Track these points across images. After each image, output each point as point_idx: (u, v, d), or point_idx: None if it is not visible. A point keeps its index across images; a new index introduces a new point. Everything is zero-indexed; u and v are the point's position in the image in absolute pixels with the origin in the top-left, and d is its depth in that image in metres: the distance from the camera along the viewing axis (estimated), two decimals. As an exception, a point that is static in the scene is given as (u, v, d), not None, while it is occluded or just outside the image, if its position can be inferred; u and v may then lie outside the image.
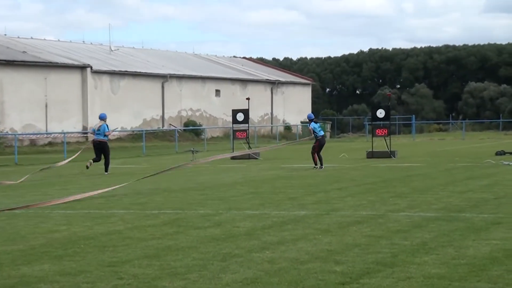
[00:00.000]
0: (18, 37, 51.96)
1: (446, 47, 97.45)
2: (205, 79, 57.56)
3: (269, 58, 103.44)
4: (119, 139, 47.06)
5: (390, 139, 28.66)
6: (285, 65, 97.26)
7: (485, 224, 10.31)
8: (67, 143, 35.12)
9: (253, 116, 55.33)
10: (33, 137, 42.71)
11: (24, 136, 41.26)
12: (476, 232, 9.67)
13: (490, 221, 10.59)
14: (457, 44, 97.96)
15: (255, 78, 63.83)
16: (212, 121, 57.45)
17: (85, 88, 46.84)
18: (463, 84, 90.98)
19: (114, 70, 49.56)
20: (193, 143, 44.70)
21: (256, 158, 29.31)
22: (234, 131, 31.27)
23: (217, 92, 58.62)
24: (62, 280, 7.26)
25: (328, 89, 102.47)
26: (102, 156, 22.73)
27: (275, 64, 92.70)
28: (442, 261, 7.81)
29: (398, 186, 16.24)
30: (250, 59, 79.65)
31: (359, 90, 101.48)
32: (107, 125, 22.68)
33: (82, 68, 47.00)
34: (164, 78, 53.23)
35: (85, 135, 45.47)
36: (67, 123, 45.03)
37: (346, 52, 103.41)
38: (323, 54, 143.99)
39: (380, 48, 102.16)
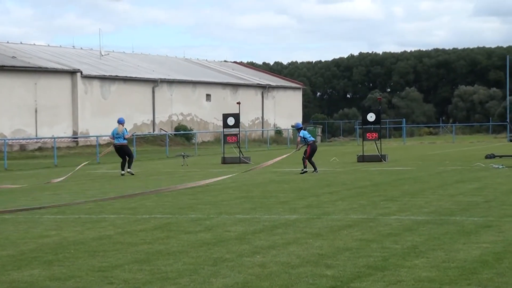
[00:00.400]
0: (8, 42, 51.81)
1: (436, 50, 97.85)
2: (195, 84, 57.55)
3: (260, 62, 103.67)
4: (109, 144, 46.94)
5: (380, 143, 28.72)
6: (276, 69, 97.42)
7: (475, 227, 10.33)
8: (57, 148, 35.00)
9: (244, 120, 55.35)
10: (23, 142, 42.57)
11: (13, 141, 41.12)
12: (466, 235, 9.69)
13: (480, 224, 10.62)
14: (447, 48, 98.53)
15: (246, 82, 63.87)
16: (203, 126, 57.43)
17: (75, 93, 46.73)
18: (453, 88, 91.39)
19: (105, 75, 49.48)
20: (184, 148, 44.67)
21: (247, 163, 29.31)
22: (225, 136, 31.27)
23: (208, 96, 58.61)
24: (52, 285, 7.23)
25: (318, 93, 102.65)
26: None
27: (266, 68, 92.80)
28: (432, 264, 7.83)
29: (389, 190, 16.27)
30: (241, 63, 79.71)
31: (349, 94, 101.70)
32: (125, 129, 24.32)
33: (72, 73, 46.90)
34: (154, 82, 53.18)
35: (75, 140, 45.38)
36: (57, 128, 44.90)
37: (337, 56, 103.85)
38: (313, 58, 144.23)
39: (370, 52, 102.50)
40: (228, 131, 31.60)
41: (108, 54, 57.63)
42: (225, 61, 77.13)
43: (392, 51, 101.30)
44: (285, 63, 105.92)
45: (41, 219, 12.35)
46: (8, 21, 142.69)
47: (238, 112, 31.42)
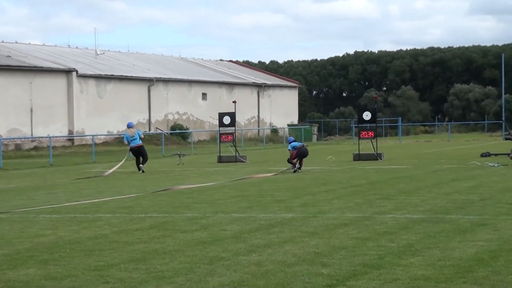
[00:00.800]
0: (3, 42, 51.68)
1: (432, 49, 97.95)
2: (191, 83, 57.50)
3: (255, 61, 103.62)
4: (105, 143, 46.92)
5: (376, 141, 28.74)
6: (272, 68, 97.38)
7: (471, 226, 10.35)
8: (52, 148, 34.95)
9: (240, 119, 55.32)
10: (18, 141, 42.48)
11: (9, 140, 41.03)
12: (461, 233, 9.71)
13: (475, 223, 10.64)
14: (442, 46, 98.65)
15: (242, 81, 63.85)
16: (199, 125, 57.39)
17: (71, 92, 46.65)
18: (448, 86, 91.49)
19: (100, 74, 49.40)
20: (180, 147, 44.64)
21: (244, 162, 29.32)
22: (221, 134, 31.25)
23: (204, 95, 58.57)
24: (47, 284, 7.22)
25: (314, 92, 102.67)
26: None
27: (262, 67, 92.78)
28: (428, 262, 7.84)
29: (385, 188, 16.29)
30: (237, 62, 79.66)
31: (345, 93, 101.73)
32: (138, 130, 25.74)
33: (68, 72, 46.82)
34: (150, 81, 53.12)
35: (71, 139, 45.30)
36: (53, 127, 44.81)
37: (332, 55, 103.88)
38: (309, 57, 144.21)
39: (366, 50, 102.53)
40: (224, 130, 31.58)
41: (104, 53, 57.53)
42: (221, 60, 77.09)
43: (387, 50, 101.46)
44: (280, 62, 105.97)
45: (36, 218, 12.33)
46: (3, 21, 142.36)
47: (234, 111, 31.41)
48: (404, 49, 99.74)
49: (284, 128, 58.32)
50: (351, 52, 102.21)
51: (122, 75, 51.26)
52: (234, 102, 32.53)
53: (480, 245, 8.77)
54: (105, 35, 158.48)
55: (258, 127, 62.53)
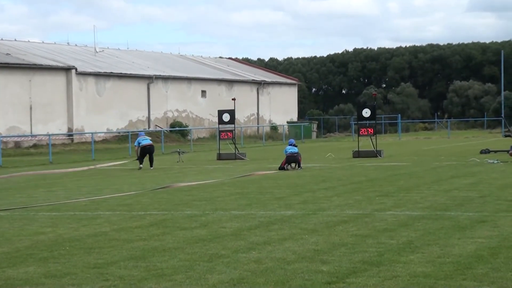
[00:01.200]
0: (2, 39, 51.63)
1: (431, 46, 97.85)
2: (191, 80, 57.47)
3: (255, 58, 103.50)
4: (104, 140, 46.90)
5: (376, 139, 28.74)
6: (271, 65, 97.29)
7: (470, 223, 10.35)
8: (52, 145, 34.93)
9: (239, 116, 55.30)
10: (18, 139, 42.46)
11: (8, 138, 41.01)
12: (461, 230, 9.71)
13: (475, 220, 10.64)
14: (441, 43, 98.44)
15: (241, 78, 63.82)
16: (198, 122, 57.37)
17: (70, 90, 46.61)
18: (448, 83, 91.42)
19: (100, 72, 49.36)
20: (179, 144, 44.63)
21: (243, 159, 29.31)
22: (220, 132, 31.24)
23: (203, 93, 58.54)
24: (47, 282, 7.22)
25: (314, 89, 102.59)
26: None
27: (261, 64, 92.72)
28: (427, 259, 7.84)
29: (384, 185, 16.28)
30: (236, 59, 79.60)
31: (345, 90, 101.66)
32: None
33: (67, 69, 46.77)
34: (149, 79, 53.08)
35: (70, 137, 45.29)
36: (52, 125, 44.78)
37: (332, 52, 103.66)
38: (308, 54, 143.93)
39: (365, 47, 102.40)
40: (223, 127, 31.57)
41: (103, 50, 57.50)
42: (220, 57, 77.02)
43: (387, 47, 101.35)
44: (280, 59, 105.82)
45: (36, 216, 12.33)
46: (2, 18, 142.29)
47: (233, 108, 31.39)
48: (404, 46, 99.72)
49: (283, 126, 58.30)
50: (351, 49, 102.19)
51: (121, 73, 51.23)
52: (234, 99, 32.52)
53: (480, 242, 8.77)
54: (104, 32, 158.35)
55: (258, 124, 62.50)
